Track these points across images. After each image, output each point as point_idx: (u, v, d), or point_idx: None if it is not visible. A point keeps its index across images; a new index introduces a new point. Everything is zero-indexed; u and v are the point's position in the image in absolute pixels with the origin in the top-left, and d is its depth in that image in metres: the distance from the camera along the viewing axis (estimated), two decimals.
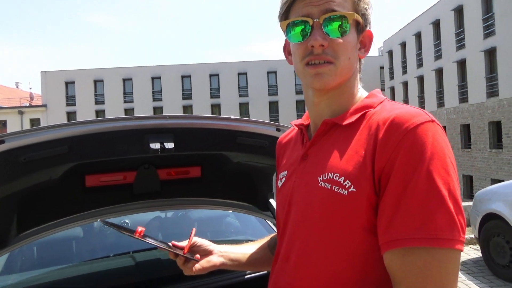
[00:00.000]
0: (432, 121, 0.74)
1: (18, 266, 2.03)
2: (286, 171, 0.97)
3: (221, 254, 1.12)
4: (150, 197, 1.75)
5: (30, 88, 43.32)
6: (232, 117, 1.52)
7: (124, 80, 36.26)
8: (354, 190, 0.75)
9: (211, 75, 36.68)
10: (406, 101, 28.93)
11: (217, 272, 1.21)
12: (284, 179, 0.96)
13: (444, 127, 23.82)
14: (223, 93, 36.53)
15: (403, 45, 30.10)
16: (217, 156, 1.69)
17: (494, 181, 19.01)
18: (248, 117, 35.62)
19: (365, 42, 0.90)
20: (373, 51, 36.52)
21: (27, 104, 38.04)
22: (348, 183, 0.76)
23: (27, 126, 35.54)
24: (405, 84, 29.80)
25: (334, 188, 0.77)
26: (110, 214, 1.74)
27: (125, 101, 36.24)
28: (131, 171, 1.64)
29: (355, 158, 0.77)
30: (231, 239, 2.61)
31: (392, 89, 31.76)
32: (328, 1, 0.82)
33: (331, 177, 0.78)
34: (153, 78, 36.34)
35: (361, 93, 0.91)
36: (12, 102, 37.33)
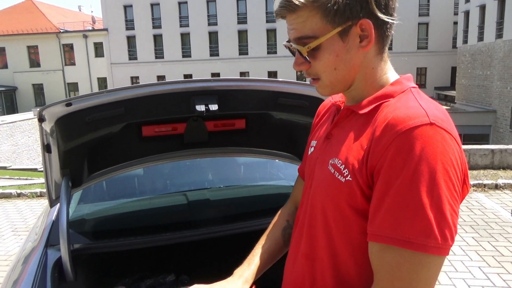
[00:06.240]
0: (431, 124, 0.73)
1: (91, 198, 2.37)
2: (316, 141, 1.03)
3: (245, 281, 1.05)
4: (199, 146, 1.92)
5: (92, 12, 44.40)
6: (274, 79, 1.58)
7: (179, 3, 35.91)
8: (350, 179, 0.81)
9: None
10: (481, 27, 25.98)
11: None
12: (313, 148, 1.03)
13: None
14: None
15: None
16: (260, 112, 1.78)
17: None
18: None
19: (364, 35, 0.82)
20: None
21: (90, 28, 39.37)
22: (346, 171, 0.82)
23: (91, 50, 37.22)
24: (483, 8, 26.54)
25: (336, 173, 0.84)
26: (164, 160, 1.95)
27: (181, 26, 36.26)
28: (182, 123, 1.79)
29: (358, 149, 0.81)
30: (271, 184, 2.79)
31: (467, 13, 28.48)
32: (294, 28, 0.84)
33: (336, 163, 0.85)
34: (208, 2, 35.64)
35: (388, 79, 0.89)
36: (76, 26, 38.78)
